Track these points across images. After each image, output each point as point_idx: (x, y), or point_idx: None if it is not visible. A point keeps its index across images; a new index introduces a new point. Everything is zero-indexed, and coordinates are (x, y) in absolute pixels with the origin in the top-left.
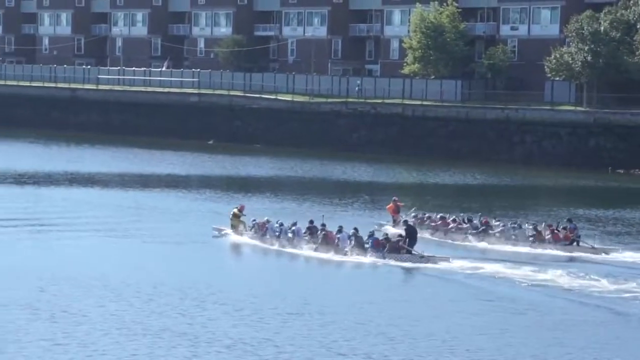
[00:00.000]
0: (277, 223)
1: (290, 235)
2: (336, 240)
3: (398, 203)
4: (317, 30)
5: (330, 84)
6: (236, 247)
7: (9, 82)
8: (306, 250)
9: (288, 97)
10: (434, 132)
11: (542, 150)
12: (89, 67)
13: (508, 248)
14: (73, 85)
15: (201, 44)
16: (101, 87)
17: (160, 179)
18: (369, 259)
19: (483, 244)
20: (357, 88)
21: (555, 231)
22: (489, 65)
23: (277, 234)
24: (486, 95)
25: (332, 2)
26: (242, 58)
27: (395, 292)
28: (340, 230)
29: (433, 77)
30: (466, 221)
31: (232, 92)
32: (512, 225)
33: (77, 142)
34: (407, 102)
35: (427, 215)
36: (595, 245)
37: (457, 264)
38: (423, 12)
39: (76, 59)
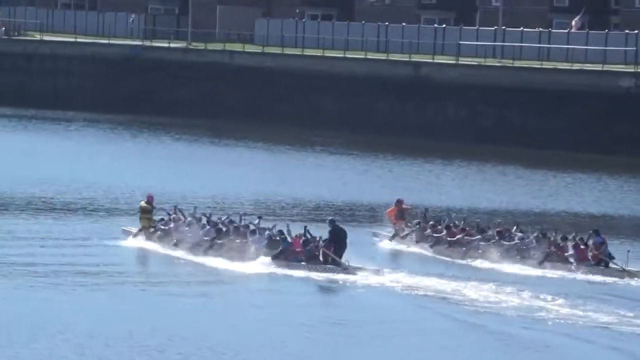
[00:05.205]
0: (187, 219)
1: (198, 234)
2: (247, 243)
3: (403, 206)
4: None
5: None
6: (139, 256)
7: (308, 52)
8: (204, 258)
9: None
10: None
11: None
12: (444, 26)
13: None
14: (416, 58)
15: None
16: (463, 60)
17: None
18: (274, 268)
19: (478, 261)
20: None
21: (581, 247)
22: None
23: (181, 235)
24: None
25: None
26: None
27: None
28: (254, 231)
29: None
30: (476, 231)
31: None
32: (532, 236)
33: (415, 156)
34: None
35: (430, 223)
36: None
37: (389, 279)
38: None
39: (423, 12)
